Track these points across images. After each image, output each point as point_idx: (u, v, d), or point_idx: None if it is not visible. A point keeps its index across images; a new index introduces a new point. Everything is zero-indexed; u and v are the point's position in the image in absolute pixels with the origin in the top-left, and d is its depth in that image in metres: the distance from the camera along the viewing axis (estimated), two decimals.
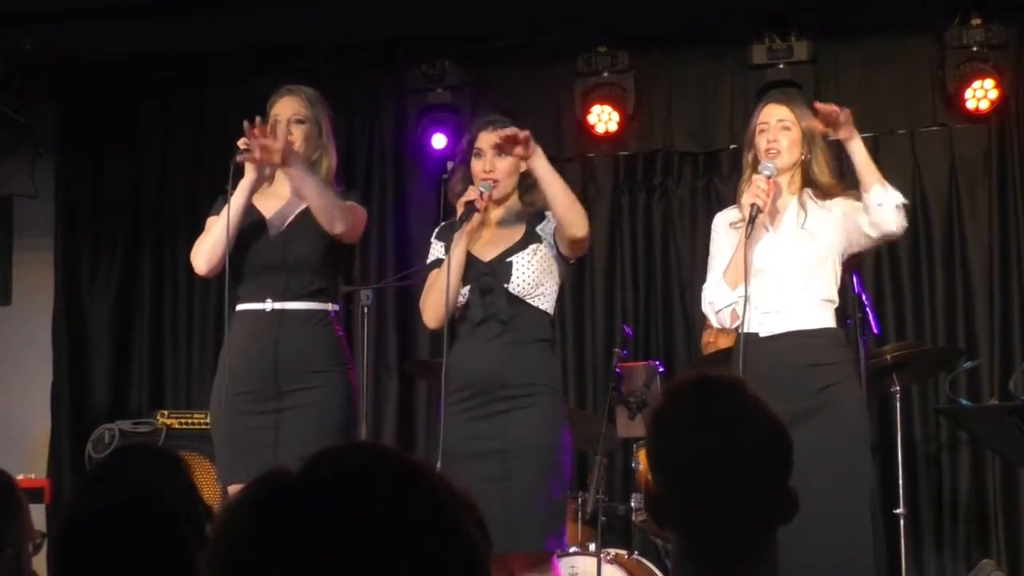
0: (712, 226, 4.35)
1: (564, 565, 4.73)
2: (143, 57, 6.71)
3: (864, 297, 4.61)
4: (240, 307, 4.26)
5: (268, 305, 4.19)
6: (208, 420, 4.66)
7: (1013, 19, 6.27)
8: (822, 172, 4.16)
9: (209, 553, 1.12)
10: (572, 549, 4.98)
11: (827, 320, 4.11)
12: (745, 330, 4.06)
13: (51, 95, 7.07)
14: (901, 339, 6.12)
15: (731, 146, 6.38)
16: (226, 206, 4.16)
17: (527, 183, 4.14)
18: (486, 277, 4.07)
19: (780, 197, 4.18)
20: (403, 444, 6.48)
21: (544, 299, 4.09)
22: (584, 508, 5.16)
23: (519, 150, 3.98)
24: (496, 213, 4.18)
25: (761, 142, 4.17)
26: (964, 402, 5.67)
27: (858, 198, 4.08)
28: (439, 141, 6.66)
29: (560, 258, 4.13)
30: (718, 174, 6.61)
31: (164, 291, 7.11)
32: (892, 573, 5.32)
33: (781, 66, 6.35)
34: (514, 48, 6.72)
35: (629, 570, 5.01)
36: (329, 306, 4.26)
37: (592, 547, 4.95)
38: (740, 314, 4.07)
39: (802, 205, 4.16)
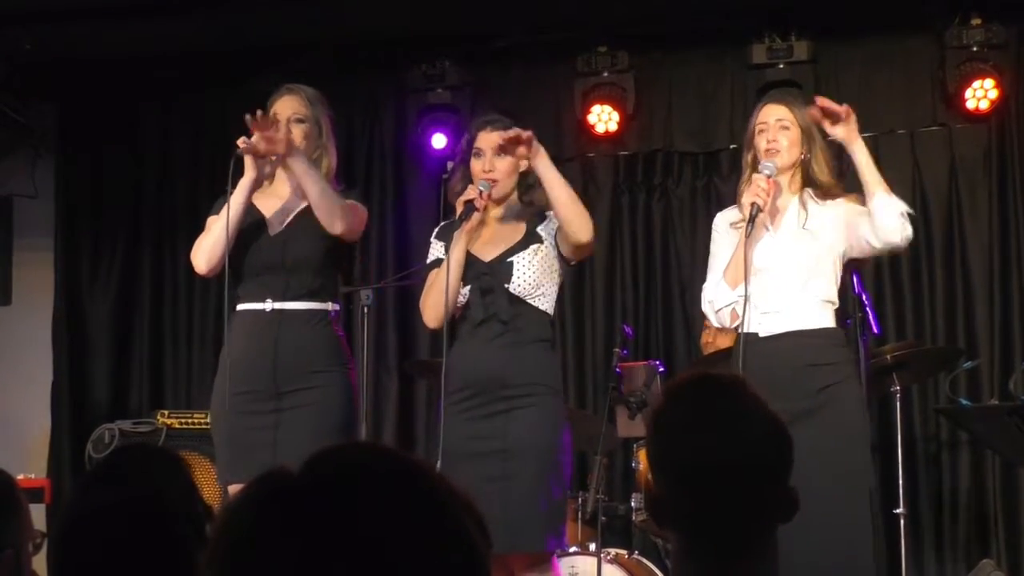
0: (712, 226, 4.34)
1: (564, 565, 4.73)
2: (143, 57, 6.70)
3: (864, 297, 4.60)
4: (240, 307, 4.26)
5: (268, 305, 4.19)
6: (208, 420, 4.66)
7: (1013, 19, 6.27)
8: (822, 171, 4.15)
9: (209, 553, 1.12)
10: (572, 549, 4.98)
11: (827, 320, 4.10)
12: (745, 330, 4.05)
13: (51, 95, 7.07)
14: (901, 339, 6.11)
15: (731, 146, 6.38)
16: (226, 205, 4.16)
17: (527, 183, 4.14)
18: (486, 277, 4.07)
19: (780, 196, 4.17)
20: (403, 444, 6.47)
21: (544, 299, 4.08)
22: (584, 508, 5.16)
23: (522, 151, 3.98)
24: (496, 213, 4.17)
25: (760, 142, 4.16)
26: (964, 402, 5.66)
27: (861, 202, 4.07)
28: (439, 141, 6.65)
29: (561, 259, 4.13)
30: (718, 174, 6.61)
31: (164, 291, 7.11)
32: (892, 573, 5.32)
33: (781, 66, 6.34)
34: (514, 48, 6.72)
35: (629, 570, 5.01)
36: (329, 306, 4.25)
37: (592, 547, 4.95)
38: (740, 314, 4.06)
39: (803, 205, 4.15)
